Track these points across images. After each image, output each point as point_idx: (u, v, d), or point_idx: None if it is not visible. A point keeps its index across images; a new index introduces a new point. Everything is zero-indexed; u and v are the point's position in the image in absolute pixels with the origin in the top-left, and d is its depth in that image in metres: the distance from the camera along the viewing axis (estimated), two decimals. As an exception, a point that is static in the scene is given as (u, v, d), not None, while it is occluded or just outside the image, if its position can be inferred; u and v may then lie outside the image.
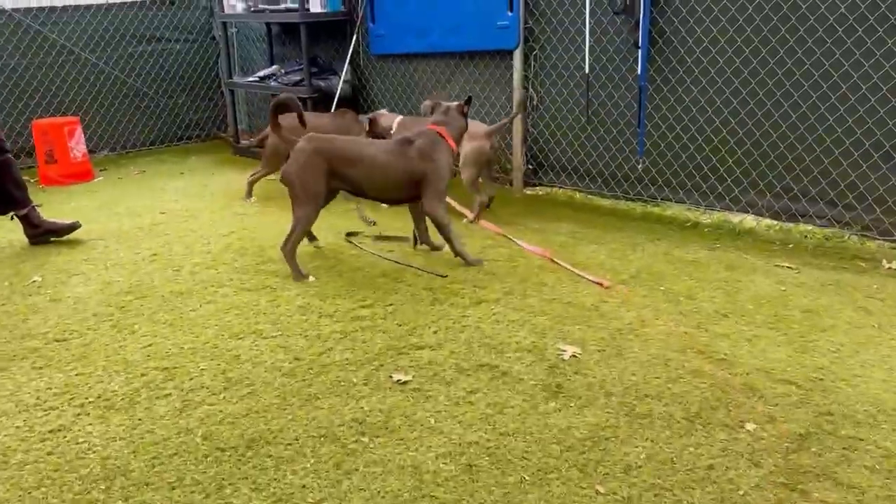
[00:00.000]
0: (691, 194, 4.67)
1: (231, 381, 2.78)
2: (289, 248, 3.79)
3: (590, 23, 4.77)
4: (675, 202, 4.75)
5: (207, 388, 2.73)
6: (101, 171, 6.26)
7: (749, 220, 4.45)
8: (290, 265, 3.79)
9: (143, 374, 2.84)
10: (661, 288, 3.56)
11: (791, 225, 4.30)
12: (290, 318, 3.31)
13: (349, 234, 4.38)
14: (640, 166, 4.79)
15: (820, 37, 3.97)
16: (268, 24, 6.83)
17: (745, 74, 4.27)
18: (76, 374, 2.86)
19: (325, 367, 2.85)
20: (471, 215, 4.64)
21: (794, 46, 4.07)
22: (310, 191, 3.78)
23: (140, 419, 2.54)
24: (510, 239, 4.30)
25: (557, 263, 3.87)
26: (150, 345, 3.09)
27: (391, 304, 3.43)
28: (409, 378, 2.75)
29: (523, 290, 3.56)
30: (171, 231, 4.63)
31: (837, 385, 2.64)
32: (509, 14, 5.10)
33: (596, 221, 4.66)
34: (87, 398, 2.69)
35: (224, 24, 6.57)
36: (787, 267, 3.80)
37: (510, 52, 5.21)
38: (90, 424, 2.52)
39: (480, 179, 4.68)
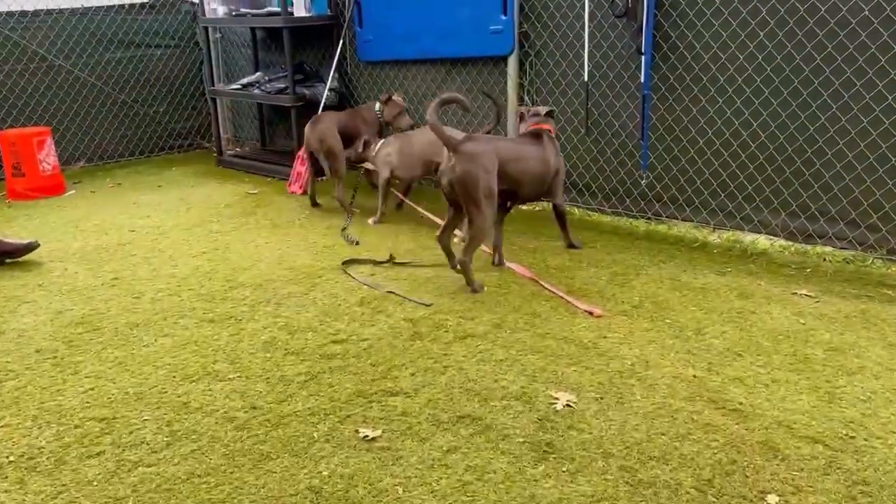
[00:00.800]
0: (699, 212, 4.32)
1: (176, 434, 2.44)
2: (468, 258, 3.57)
3: (589, 27, 4.43)
4: (682, 220, 4.40)
5: (148, 444, 2.39)
6: (74, 183, 5.93)
7: (762, 241, 4.10)
8: (467, 276, 3.60)
9: (77, 426, 2.50)
10: (667, 320, 3.21)
11: (808, 247, 3.95)
12: (251, 357, 2.97)
13: (346, 263, 3.98)
14: (643, 181, 4.45)
15: (841, 41, 3.62)
16: (252, 29, 6.51)
17: (758, 82, 3.92)
18: (2, 426, 2.52)
19: (283, 419, 2.51)
20: (463, 233, 4.25)
21: (812, 52, 3.72)
22: (492, 193, 3.53)
23: (64, 485, 2.20)
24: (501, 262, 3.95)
25: (550, 291, 3.53)
26: (91, 388, 2.75)
27: (366, 340, 3.08)
28: (377, 433, 2.40)
29: (514, 321, 3.21)
30: (139, 251, 4.30)
31: (871, 444, 2.29)
32: (503, 18, 4.77)
33: (596, 240, 4.31)
34: (9, 456, 2.35)
35: (206, 29, 6.25)
36: (806, 295, 3.44)
37: (504, 59, 4.88)
38: (5, 492, 2.17)
39: None
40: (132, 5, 6.51)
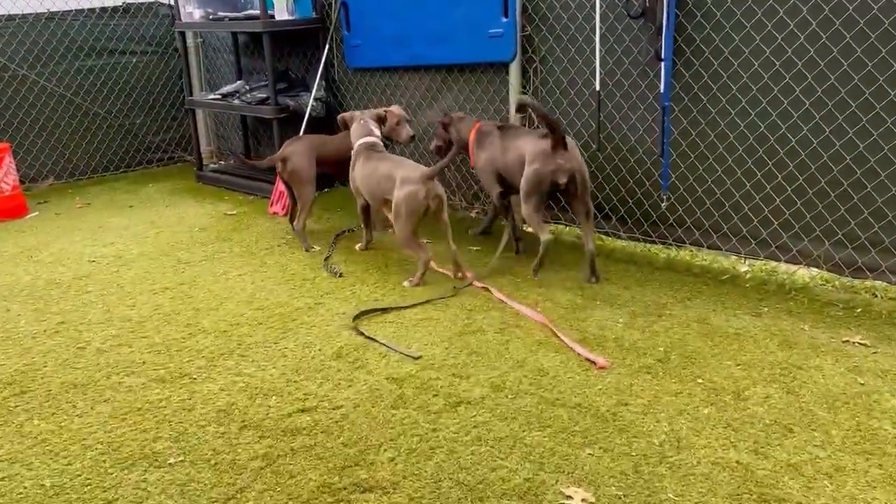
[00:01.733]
0: (727, 239, 3.80)
1: (91, 550, 1.95)
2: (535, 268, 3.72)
3: (601, 29, 3.92)
4: (708, 248, 3.88)
5: (53, 565, 1.90)
6: (39, 204, 5.46)
7: (802, 274, 3.58)
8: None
9: (-29, 537, 2.02)
10: (699, 379, 2.69)
11: (856, 281, 3.43)
12: (201, 431, 2.47)
13: (358, 316, 3.31)
14: (663, 203, 3.93)
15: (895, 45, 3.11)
16: (234, 34, 6.02)
17: (798, 92, 3.40)
18: None
19: (227, 528, 2.02)
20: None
21: (863, 56, 3.20)
22: None
23: None
24: (503, 301, 3.45)
25: (561, 340, 3.02)
26: (1, 479, 2.26)
27: (340, 407, 2.58)
28: (342, 552, 1.90)
29: (517, 381, 2.71)
30: (95, 287, 3.81)
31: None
32: (503, 20, 4.25)
33: (611, 271, 3.80)
34: None
35: (182, 34, 5.76)
36: (860, 343, 2.93)
37: (506, 66, 4.37)
38: None
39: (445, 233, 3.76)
40: (104, 9, 6.02)
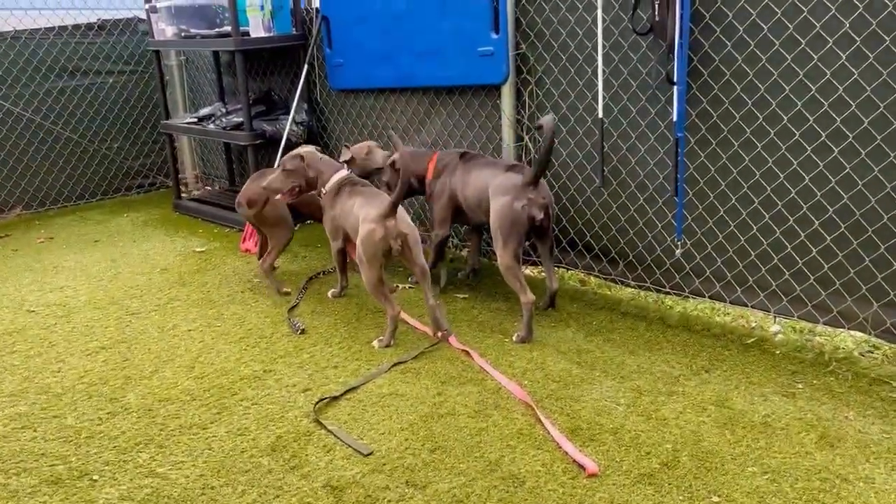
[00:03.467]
0: (754, 294, 3.22)
1: None
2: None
3: (604, 48, 3.37)
4: (731, 303, 3.30)
5: None
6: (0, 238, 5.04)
7: (845, 339, 2.98)
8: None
9: None
10: (715, 497, 2.12)
11: (912, 351, 2.83)
12: (77, 566, 1.96)
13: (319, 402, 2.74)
14: (678, 250, 3.35)
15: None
16: (215, 52, 5.57)
17: (838, 122, 2.82)
18: None
19: None
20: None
21: (919, 82, 2.61)
22: None
23: None
24: (483, 369, 2.90)
25: (546, 431, 2.47)
26: None
27: (257, 531, 2.06)
28: None
29: (484, 494, 2.16)
30: (23, 345, 3.35)
31: None
32: (494, 37, 3.72)
33: (614, 328, 3.25)
34: None
35: (157, 52, 5.31)
36: (922, 440, 2.34)
37: (497, 88, 3.83)
38: None
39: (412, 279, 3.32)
40: (77, 26, 5.61)
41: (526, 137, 3.85)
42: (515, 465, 2.30)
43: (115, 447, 2.51)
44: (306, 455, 2.41)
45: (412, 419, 2.60)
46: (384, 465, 2.33)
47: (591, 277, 3.83)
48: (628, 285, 3.64)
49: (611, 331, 3.24)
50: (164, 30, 5.04)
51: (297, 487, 2.24)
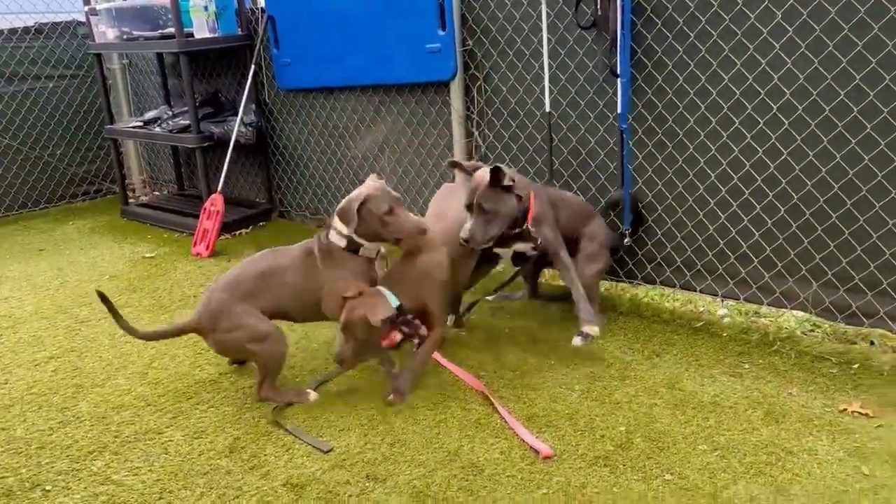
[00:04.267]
0: (702, 278, 3.31)
1: None
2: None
3: (549, 42, 3.42)
4: (681, 287, 3.39)
5: None
6: (-63, 250, 4.88)
7: (788, 319, 3.08)
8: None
9: None
10: (668, 475, 2.18)
11: (851, 328, 2.94)
12: (32, 577, 1.93)
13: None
14: (626, 239, 3.42)
15: (890, 53, 2.62)
16: (160, 55, 5.48)
17: (775, 110, 2.92)
18: None
19: None
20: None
21: (850, 69, 2.71)
22: None
23: None
24: (439, 363, 2.92)
25: (502, 419, 2.50)
26: None
27: (218, 532, 2.05)
28: None
29: (444, 483, 2.18)
30: (-32, 357, 3.26)
31: None
32: (441, 34, 3.75)
33: (568, 317, 3.29)
34: None
35: (99, 56, 5.19)
36: (860, 413, 2.44)
37: (446, 84, 3.86)
38: None
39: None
40: (13, 30, 5.46)
41: (476, 133, 3.89)
42: (474, 454, 2.33)
43: (67, 456, 2.46)
44: (265, 455, 2.40)
45: (371, 414, 2.61)
46: (344, 460, 2.34)
47: (546, 271, 3.88)
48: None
49: (564, 319, 3.29)
50: (105, 32, 4.95)
51: (257, 487, 2.23)
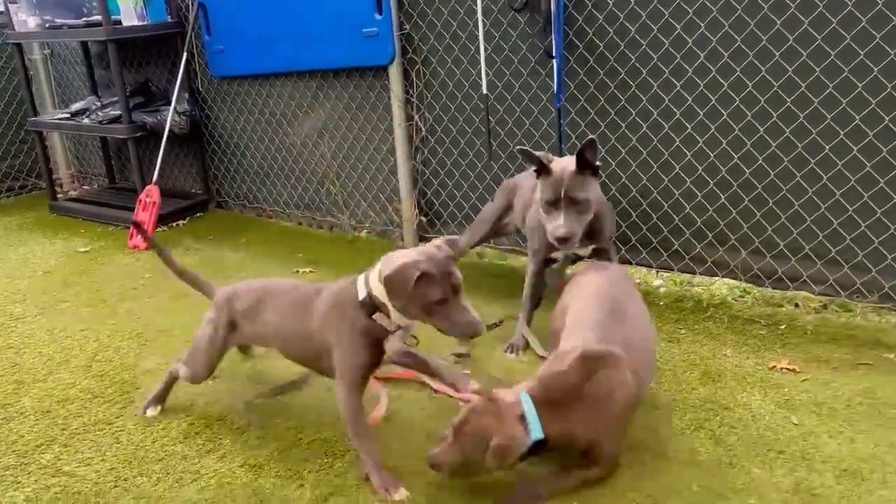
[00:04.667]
0: (637, 251, 3.45)
1: None
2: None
3: (484, 25, 3.49)
4: (618, 262, 3.51)
5: None
6: None
7: (720, 287, 3.25)
8: None
9: None
10: (615, 434, 2.29)
11: (777, 292, 3.12)
12: (-13, 571, 1.90)
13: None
14: (566, 216, 3.52)
15: (834, 32, 2.78)
16: (84, 43, 5.31)
17: (702, 87, 3.06)
18: None
19: None
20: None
21: (770, 47, 2.87)
22: None
23: None
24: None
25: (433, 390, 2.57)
26: None
27: (178, 515, 2.05)
28: None
29: (399, 468, 2.24)
30: None
31: None
32: (377, 17, 3.77)
33: (511, 293, 3.38)
34: None
35: (19, 46, 5.00)
36: (787, 369, 2.60)
37: (385, 68, 3.89)
38: None
39: None
40: (-77, 21, 5.20)
41: (416, 116, 3.93)
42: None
43: (14, 451, 2.41)
44: (220, 438, 2.41)
45: (327, 395, 2.63)
46: (300, 439, 2.37)
47: (487, 249, 3.96)
48: (521, 254, 3.80)
49: (507, 295, 3.37)
50: (26, 21, 4.77)
51: (215, 470, 2.24)
